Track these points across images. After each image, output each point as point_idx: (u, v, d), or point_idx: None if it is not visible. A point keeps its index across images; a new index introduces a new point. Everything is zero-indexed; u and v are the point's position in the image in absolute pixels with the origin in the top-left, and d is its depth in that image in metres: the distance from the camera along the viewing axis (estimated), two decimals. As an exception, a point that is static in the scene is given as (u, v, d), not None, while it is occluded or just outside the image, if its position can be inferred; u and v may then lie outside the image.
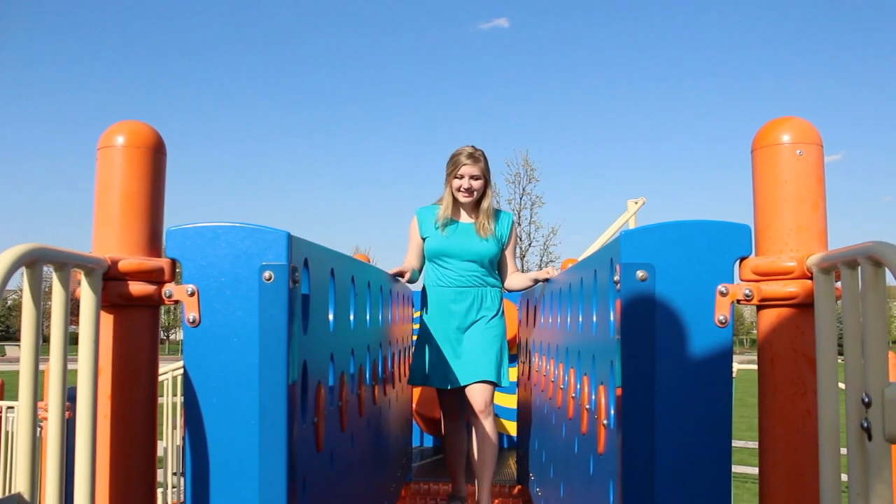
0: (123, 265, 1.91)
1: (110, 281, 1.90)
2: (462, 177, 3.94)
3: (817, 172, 1.92)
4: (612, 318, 2.00)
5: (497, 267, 4.14)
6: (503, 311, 4.14)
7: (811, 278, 1.82)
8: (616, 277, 1.88)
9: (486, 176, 4.01)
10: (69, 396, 1.72)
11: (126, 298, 1.92)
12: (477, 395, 3.90)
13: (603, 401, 2.13)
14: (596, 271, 2.26)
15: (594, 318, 2.29)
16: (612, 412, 2.02)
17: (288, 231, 1.86)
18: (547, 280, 3.60)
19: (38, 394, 1.59)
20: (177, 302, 1.92)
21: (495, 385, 3.97)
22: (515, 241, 4.25)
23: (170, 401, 6.75)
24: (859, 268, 1.60)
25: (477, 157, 3.96)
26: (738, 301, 1.87)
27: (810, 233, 1.89)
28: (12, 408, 6.25)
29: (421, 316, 4.17)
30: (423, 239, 4.09)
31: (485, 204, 4.03)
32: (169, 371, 6.77)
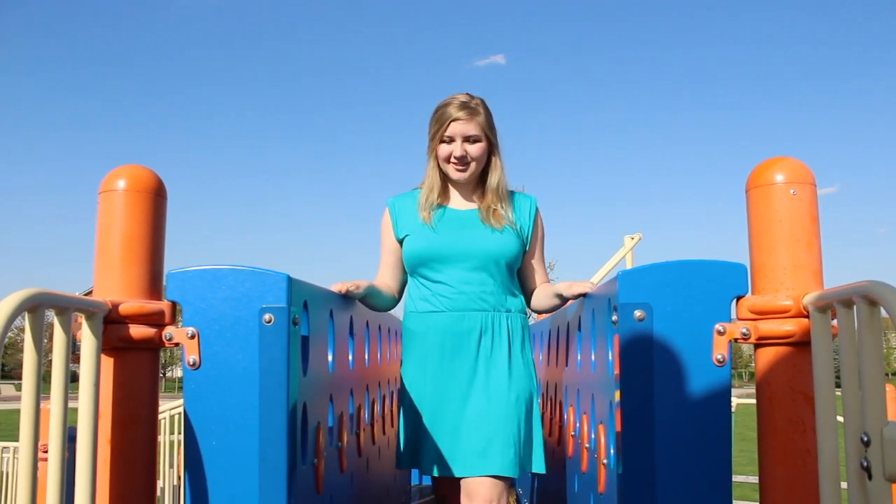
0: (124, 308, 1.92)
1: (111, 324, 1.90)
2: (452, 139, 2.56)
3: (811, 211, 1.94)
4: (610, 357, 2.01)
5: (518, 277, 2.74)
6: (531, 351, 2.69)
7: (808, 317, 1.84)
8: (614, 318, 1.89)
9: (489, 136, 2.62)
10: (69, 437, 1.72)
11: (126, 341, 1.93)
12: (480, 495, 2.42)
13: (603, 440, 2.13)
14: (594, 310, 2.28)
15: (592, 357, 2.30)
16: (612, 451, 2.02)
17: (287, 273, 1.88)
18: (583, 296, 2.42)
19: (38, 436, 1.59)
20: (177, 344, 1.93)
21: (512, 480, 2.62)
22: (543, 238, 2.77)
23: (167, 439, 6.71)
24: (855, 307, 1.62)
25: (473, 107, 2.58)
26: (736, 340, 1.89)
27: (806, 271, 1.91)
28: (7, 448, 6.20)
29: (402, 364, 2.73)
30: (401, 241, 2.69)
31: (492, 179, 2.64)
32: (166, 410, 6.74)
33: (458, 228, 2.63)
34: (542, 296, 2.71)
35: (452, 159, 2.60)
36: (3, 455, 6.29)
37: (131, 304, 1.94)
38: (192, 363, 1.87)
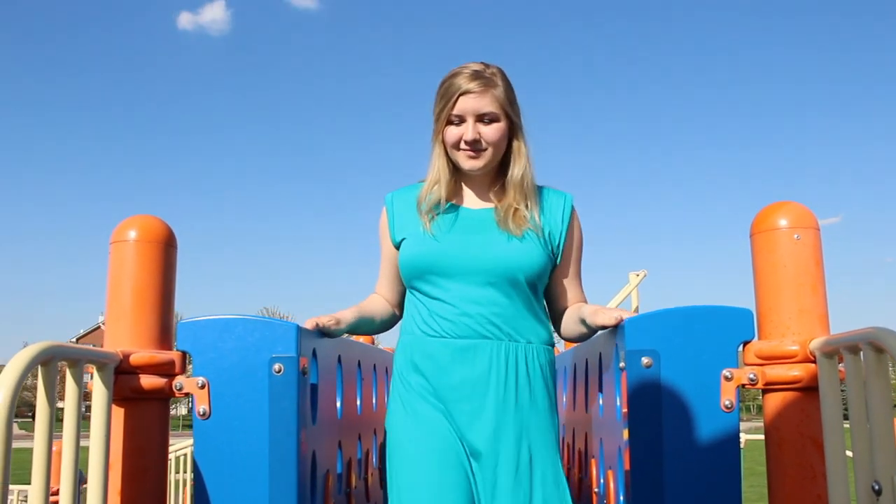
0: (135, 358, 1.94)
1: (122, 374, 1.92)
2: (461, 119, 2.02)
3: (815, 256, 1.96)
4: (618, 403, 2.01)
5: (545, 297, 2.17)
6: (555, 395, 2.07)
7: (815, 362, 1.85)
8: (621, 364, 1.90)
9: (509, 115, 2.05)
10: (79, 479, 1.73)
11: (137, 392, 1.94)
12: None
13: (612, 485, 2.13)
14: (601, 354, 2.28)
15: (600, 402, 2.30)
16: (622, 497, 2.01)
17: (297, 323, 1.89)
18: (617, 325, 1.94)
19: (49, 488, 1.60)
20: (187, 394, 1.94)
21: None
22: (581, 247, 2.19)
23: (171, 478, 6.69)
24: (861, 353, 1.63)
25: (489, 77, 2.02)
26: (743, 385, 1.89)
27: (811, 316, 1.92)
28: (12, 490, 6.18)
29: (388, 414, 2.07)
30: (398, 246, 2.14)
31: (515, 170, 2.08)
32: (171, 450, 6.72)
33: (467, 232, 2.06)
34: (569, 320, 2.14)
35: (462, 144, 2.02)
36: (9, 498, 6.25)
37: (142, 354, 1.95)
38: (202, 413, 1.88)
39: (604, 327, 1.98)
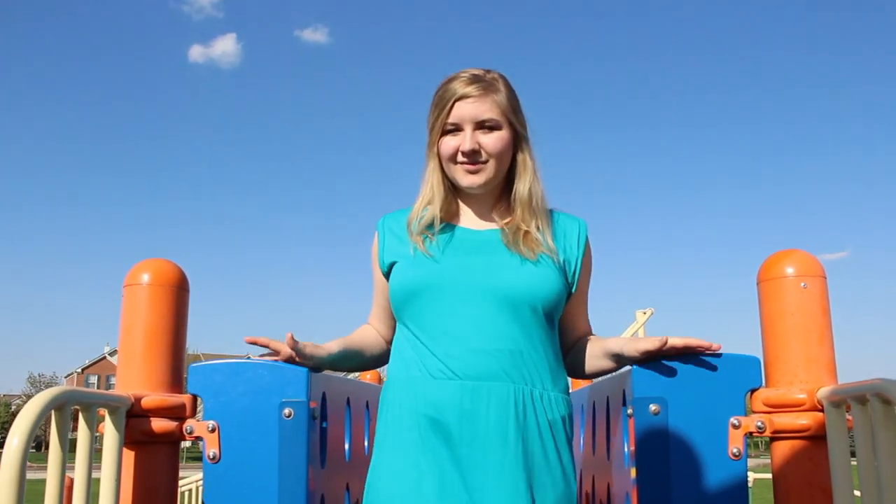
0: (146, 402, 1.95)
1: (133, 418, 1.93)
2: (458, 127, 1.79)
3: (822, 304, 1.97)
4: (626, 449, 2.02)
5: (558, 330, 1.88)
6: (572, 453, 1.76)
7: (822, 410, 1.85)
8: (629, 411, 1.91)
9: (513, 124, 1.83)
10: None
11: (148, 435, 1.95)
12: None
13: (620, 532, 2.12)
14: (608, 398, 2.29)
15: (608, 446, 2.31)
16: (630, 545, 2.01)
17: (307, 368, 1.91)
18: (651, 354, 1.82)
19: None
20: (198, 438, 1.95)
21: None
22: (589, 276, 1.94)
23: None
24: (869, 404, 1.64)
25: (489, 81, 1.81)
26: (751, 433, 1.90)
27: (819, 364, 1.93)
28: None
29: (372, 461, 1.77)
30: (387, 273, 1.88)
31: (521, 186, 1.84)
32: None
33: (471, 254, 1.80)
34: (590, 355, 1.91)
35: (460, 156, 1.78)
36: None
37: (153, 397, 1.97)
38: (212, 457, 1.90)
39: (647, 353, 1.81)
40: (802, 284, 1.97)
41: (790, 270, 1.98)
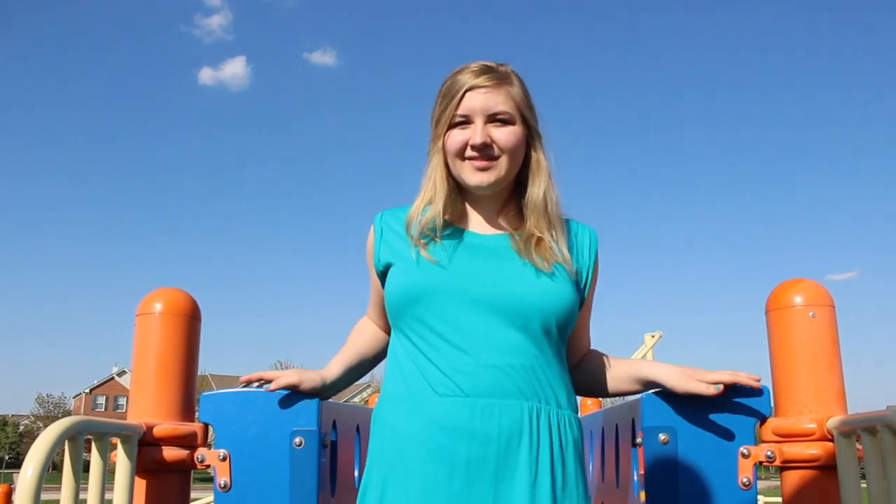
0: (158, 430, 1.96)
1: (145, 447, 1.94)
2: (467, 120, 1.63)
3: (831, 333, 1.97)
4: (635, 477, 2.02)
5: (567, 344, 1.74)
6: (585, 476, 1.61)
7: (832, 440, 1.85)
8: (638, 440, 1.91)
9: (527, 119, 1.68)
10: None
11: (159, 463, 1.96)
12: None
13: (630, 561, 2.12)
14: (617, 426, 2.29)
15: (617, 474, 2.31)
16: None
17: (318, 398, 1.92)
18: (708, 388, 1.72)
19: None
20: (209, 466, 1.96)
21: None
22: (595, 289, 1.82)
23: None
24: (879, 434, 1.64)
25: (504, 74, 1.66)
26: (761, 463, 1.90)
27: (828, 393, 1.93)
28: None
29: (361, 488, 1.60)
30: (383, 274, 1.73)
31: (535, 190, 1.68)
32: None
33: (479, 259, 1.63)
34: (614, 377, 1.79)
35: (469, 151, 1.62)
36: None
37: (165, 426, 1.98)
38: (223, 485, 1.90)
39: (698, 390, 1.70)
40: (811, 314, 1.97)
41: (798, 300, 1.99)
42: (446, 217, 1.67)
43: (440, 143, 1.65)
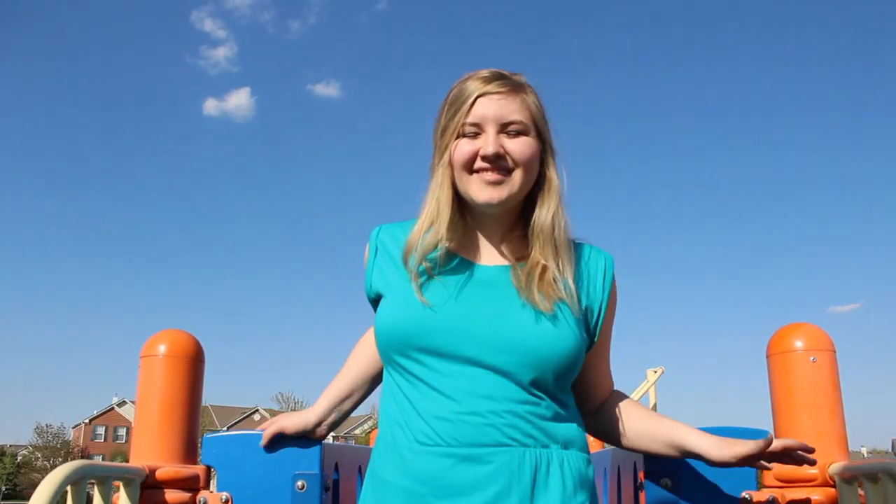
0: (161, 473, 1.97)
1: (147, 489, 1.95)
2: (478, 129, 1.49)
3: (832, 378, 1.98)
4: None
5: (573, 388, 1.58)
6: None
7: (834, 486, 1.85)
8: (641, 482, 1.91)
9: (542, 133, 1.54)
10: None
11: (161, 506, 1.96)
12: None
13: None
14: (619, 468, 2.29)
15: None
16: None
17: (313, 438, 1.93)
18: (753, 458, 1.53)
19: None
20: (210, 510, 1.96)
21: None
22: (613, 323, 1.66)
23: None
24: (881, 482, 1.64)
25: (518, 82, 1.53)
26: (763, 508, 1.89)
27: (830, 439, 1.94)
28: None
29: None
30: (374, 300, 1.59)
31: (543, 213, 1.52)
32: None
33: (476, 297, 1.47)
34: (641, 433, 1.62)
35: (479, 162, 1.46)
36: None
37: (167, 468, 1.98)
38: (224, 529, 1.90)
39: (744, 460, 1.52)
40: (812, 359, 1.98)
41: (799, 344, 2.00)
42: (445, 239, 1.50)
43: (446, 155, 1.50)
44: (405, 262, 1.53)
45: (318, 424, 1.84)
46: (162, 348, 2.09)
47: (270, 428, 1.86)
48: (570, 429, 1.48)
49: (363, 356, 1.79)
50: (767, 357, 2.05)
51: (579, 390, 1.62)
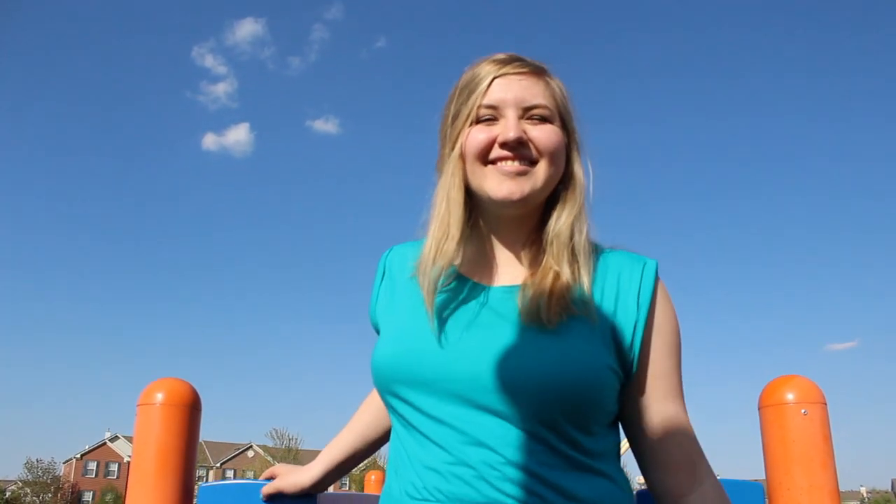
0: (156, 523, 1.97)
1: (142, 540, 1.95)
2: (495, 112, 1.25)
3: (823, 431, 2.00)
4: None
5: (625, 426, 1.30)
6: None
7: (827, 539, 1.86)
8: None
9: (567, 123, 1.31)
10: None
11: (156, 557, 1.97)
12: None
13: None
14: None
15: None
16: None
17: (316, 494, 1.93)
18: None
19: None
20: (205, 560, 1.96)
21: None
22: (677, 342, 1.28)
23: None
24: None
25: (540, 66, 1.30)
26: (757, 562, 1.90)
27: (822, 492, 1.95)
28: None
29: None
30: (378, 331, 1.42)
31: (563, 216, 1.27)
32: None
33: (475, 324, 1.24)
34: None
35: (497, 150, 1.24)
36: None
37: (163, 518, 1.99)
38: (218, 580, 1.90)
39: None
40: (803, 411, 2.00)
41: (790, 397, 2.02)
42: (457, 264, 1.30)
43: (457, 147, 1.26)
44: (414, 277, 1.34)
45: (312, 487, 1.76)
46: (159, 396, 2.11)
47: (267, 489, 1.85)
48: (598, 485, 1.19)
49: (367, 415, 1.63)
50: (759, 409, 2.07)
51: (632, 436, 1.29)
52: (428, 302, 1.26)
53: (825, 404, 2.04)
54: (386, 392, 1.29)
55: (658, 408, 1.25)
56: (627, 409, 1.27)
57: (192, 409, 2.13)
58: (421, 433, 1.23)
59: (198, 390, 2.18)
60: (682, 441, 1.25)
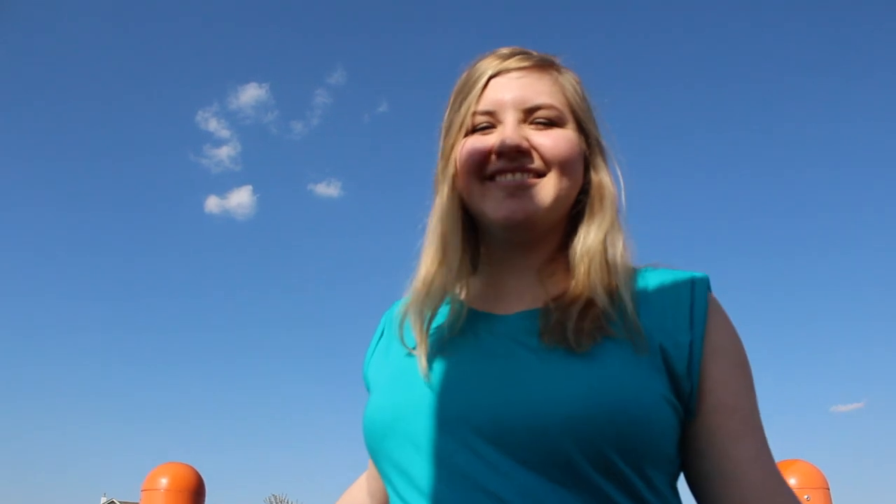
0: None
1: None
2: (492, 118, 1.03)
3: (826, 517, 2.00)
4: None
5: (692, 483, 0.93)
6: None
7: None
8: None
9: (583, 124, 1.05)
10: None
11: None
12: None
13: None
14: None
15: None
16: None
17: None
18: None
19: None
20: None
21: None
22: (746, 372, 0.95)
23: None
24: None
25: (548, 59, 1.06)
26: None
27: (827, 578, 1.94)
28: None
29: None
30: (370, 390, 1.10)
31: (592, 232, 1.02)
32: None
33: (481, 362, 0.97)
34: None
35: (495, 162, 1.02)
36: None
37: None
38: None
39: None
40: (806, 497, 2.00)
41: (793, 482, 2.02)
42: (463, 298, 1.07)
43: (451, 163, 1.05)
44: (398, 330, 1.10)
45: None
46: (163, 482, 2.11)
47: None
48: None
49: (360, 493, 1.30)
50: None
51: (701, 494, 0.96)
52: (419, 339, 1.02)
53: (828, 489, 2.04)
54: (378, 454, 1.00)
55: (734, 452, 0.92)
56: (694, 448, 0.95)
57: (195, 495, 2.14)
58: (420, 493, 0.92)
59: (202, 474, 2.19)
60: (767, 475, 0.92)
